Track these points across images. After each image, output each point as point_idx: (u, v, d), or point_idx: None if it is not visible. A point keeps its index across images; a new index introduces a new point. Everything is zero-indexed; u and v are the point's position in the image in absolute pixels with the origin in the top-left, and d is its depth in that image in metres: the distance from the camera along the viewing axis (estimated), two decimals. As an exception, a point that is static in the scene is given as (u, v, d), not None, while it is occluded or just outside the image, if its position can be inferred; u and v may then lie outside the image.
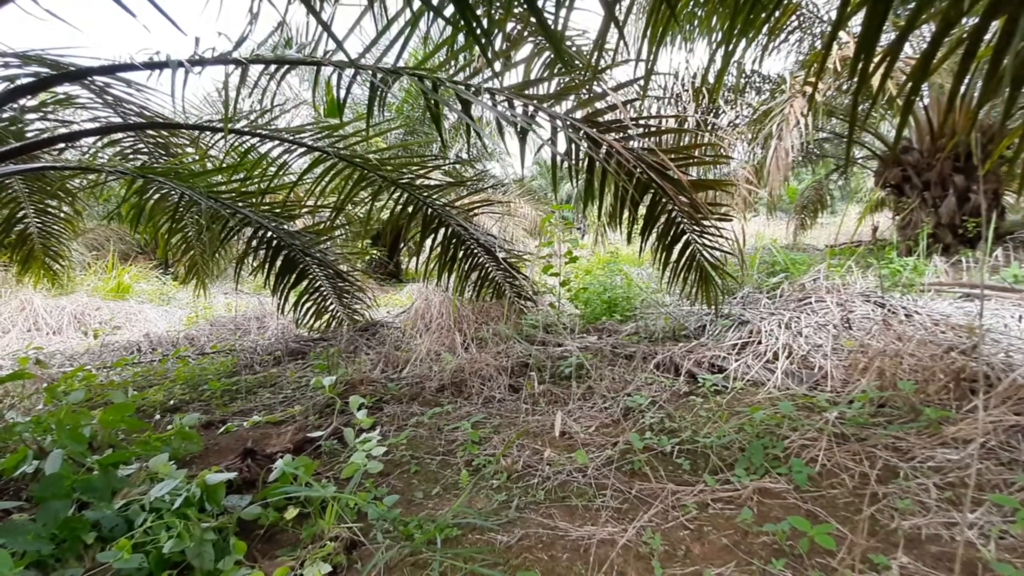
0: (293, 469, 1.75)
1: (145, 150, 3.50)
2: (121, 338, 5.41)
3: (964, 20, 1.36)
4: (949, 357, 2.25)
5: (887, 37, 4.06)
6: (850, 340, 2.69)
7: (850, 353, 2.63)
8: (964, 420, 1.89)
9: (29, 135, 3.08)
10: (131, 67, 2.17)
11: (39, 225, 4.13)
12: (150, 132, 3.37)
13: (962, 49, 1.27)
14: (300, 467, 1.76)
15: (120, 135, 3.36)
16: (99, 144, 3.44)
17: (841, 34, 4.20)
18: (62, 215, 4.21)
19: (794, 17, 5.52)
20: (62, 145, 3.19)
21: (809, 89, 4.30)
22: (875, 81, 1.83)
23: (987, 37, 1.24)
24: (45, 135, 3.07)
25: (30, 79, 2.35)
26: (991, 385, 2.04)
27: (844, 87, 4.63)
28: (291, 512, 1.65)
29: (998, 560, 1.28)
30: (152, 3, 1.37)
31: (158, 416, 2.81)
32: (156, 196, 3.45)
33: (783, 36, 5.81)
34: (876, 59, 1.56)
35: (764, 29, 2.34)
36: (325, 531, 1.56)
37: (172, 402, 3.05)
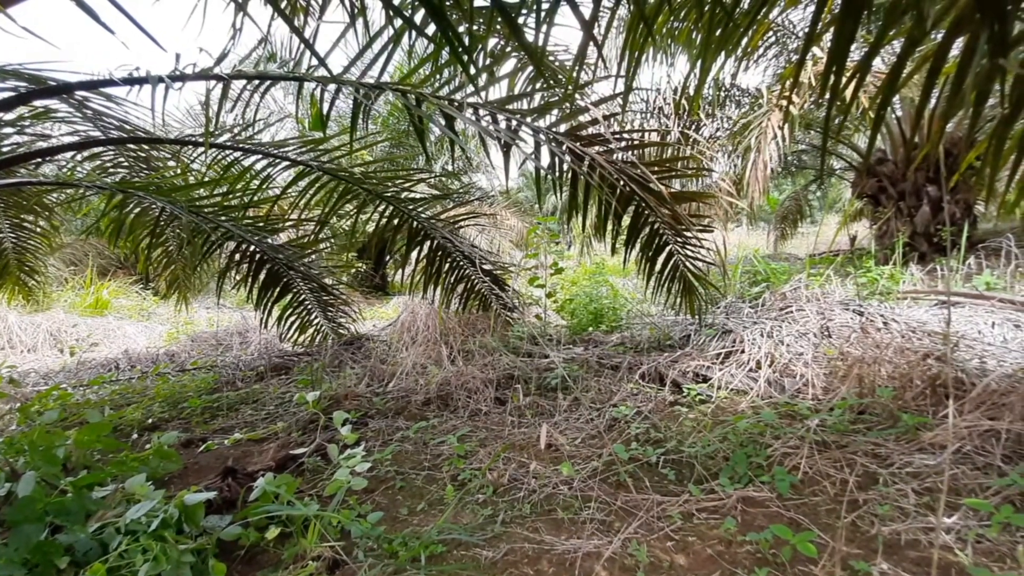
0: (275, 487, 1.72)
1: (125, 164, 3.46)
2: (99, 355, 5.29)
3: (933, 35, 1.41)
4: (925, 364, 2.30)
5: (860, 52, 4.19)
6: (830, 348, 2.74)
7: (830, 361, 2.67)
8: (940, 425, 1.93)
9: (5, 149, 3.03)
10: (111, 83, 2.15)
11: (14, 240, 4.05)
12: (131, 146, 3.34)
13: (928, 65, 1.32)
14: (282, 485, 1.73)
15: (100, 149, 3.32)
16: (78, 158, 3.40)
17: (815, 49, 4.32)
18: (38, 230, 4.13)
19: (771, 32, 5.68)
20: (39, 159, 3.14)
21: (785, 103, 4.41)
22: (847, 95, 1.90)
23: (952, 54, 1.30)
24: (22, 149, 3.03)
25: (8, 93, 2.32)
26: (965, 391, 2.08)
27: (819, 101, 4.76)
28: (273, 532, 1.62)
29: (975, 564, 1.30)
30: (131, 20, 1.37)
31: (136, 435, 2.74)
32: (136, 210, 3.41)
33: (761, 51, 5.97)
34: (847, 74, 1.61)
35: (743, 43, 2.41)
36: (307, 551, 1.53)
37: (151, 420, 2.98)
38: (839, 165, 9.11)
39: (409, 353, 3.54)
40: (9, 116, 2.89)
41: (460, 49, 1.52)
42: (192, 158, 3.50)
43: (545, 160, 2.57)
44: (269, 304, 4.00)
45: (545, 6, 1.57)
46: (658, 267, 3.22)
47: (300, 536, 1.60)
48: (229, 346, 5.16)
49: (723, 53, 2.02)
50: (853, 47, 1.38)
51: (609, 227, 2.92)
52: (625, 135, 2.86)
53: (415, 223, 3.52)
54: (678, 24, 2.73)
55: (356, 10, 2.00)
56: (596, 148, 2.56)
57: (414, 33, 2.07)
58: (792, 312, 3.17)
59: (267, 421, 2.86)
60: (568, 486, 1.88)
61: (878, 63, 4.74)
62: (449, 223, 3.70)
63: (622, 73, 2.05)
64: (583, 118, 2.59)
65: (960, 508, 1.52)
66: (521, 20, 2.48)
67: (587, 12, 1.48)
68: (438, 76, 2.55)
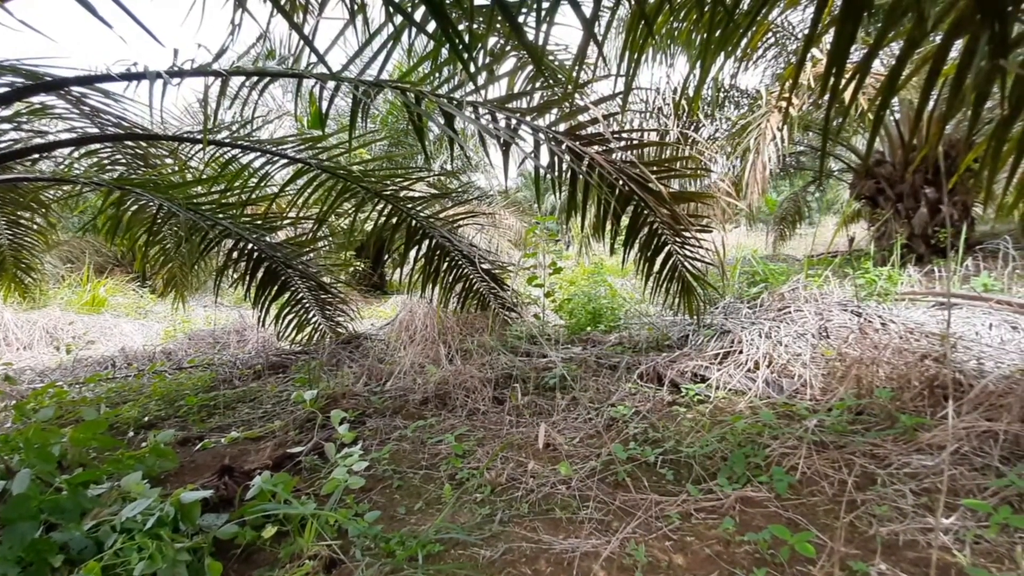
0: (272, 486, 1.71)
1: (123, 161, 3.44)
2: (95, 353, 5.27)
3: (932, 36, 1.41)
4: (923, 364, 2.30)
5: (859, 54, 4.19)
6: (828, 349, 2.74)
7: (828, 361, 2.67)
8: (938, 426, 1.93)
9: (1, 145, 3.01)
10: (108, 78, 2.14)
11: (10, 237, 4.03)
12: (128, 143, 3.32)
13: (927, 67, 1.32)
14: (279, 484, 1.73)
15: (97, 146, 3.30)
16: (75, 155, 3.38)
17: (814, 50, 4.33)
18: (35, 227, 4.11)
19: (770, 34, 5.68)
20: (36, 156, 3.12)
21: (784, 104, 4.41)
22: (847, 96, 1.90)
23: (951, 56, 1.30)
24: (19, 145, 3.01)
25: (5, 89, 2.31)
26: (963, 392, 2.09)
27: (818, 102, 4.77)
28: (269, 530, 1.62)
29: (973, 565, 1.31)
30: (129, 14, 1.36)
31: (132, 433, 2.73)
32: (134, 208, 3.39)
33: (760, 52, 5.97)
34: (847, 76, 1.61)
35: (742, 44, 2.40)
36: (304, 549, 1.52)
37: (147, 418, 2.97)
38: (837, 167, 9.13)
39: (407, 352, 3.53)
40: (6, 112, 2.88)
41: (460, 47, 1.51)
42: (190, 155, 3.49)
43: (544, 159, 2.57)
44: (267, 302, 3.99)
45: (545, 5, 1.56)
46: (657, 267, 3.22)
47: (297, 535, 1.59)
48: (226, 344, 5.14)
49: (723, 54, 2.02)
50: (852, 48, 1.37)
51: (608, 227, 2.92)
52: (624, 135, 2.86)
53: (414, 222, 3.51)
54: (678, 24, 2.73)
55: (356, 7, 1.99)
56: (595, 147, 2.55)
57: (414, 31, 2.06)
58: (790, 313, 3.17)
59: (264, 420, 2.85)
60: (566, 486, 1.88)
61: (877, 65, 4.75)
62: (448, 222, 3.70)
63: (622, 73, 2.05)
64: (582, 117, 2.59)
65: (958, 509, 1.52)
66: (521, 19, 2.48)
67: (587, 11, 1.48)
68: (437, 74, 2.55)
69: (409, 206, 3.44)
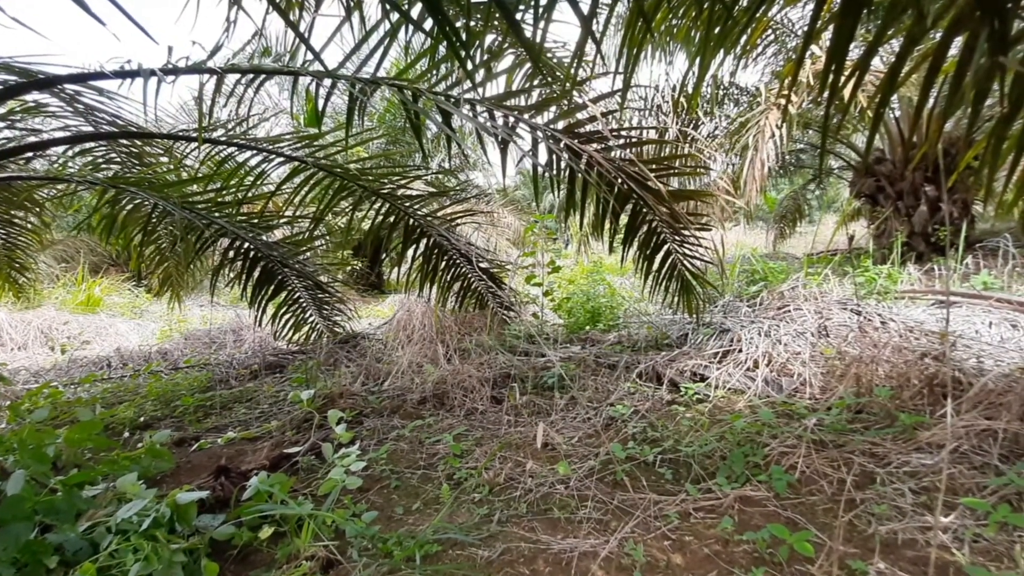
0: (268, 486, 1.70)
1: (118, 159, 3.42)
2: (90, 353, 5.25)
3: (931, 33, 1.40)
4: (923, 363, 2.30)
5: (858, 51, 4.18)
6: (828, 347, 2.74)
7: (828, 360, 2.67)
8: (937, 425, 1.92)
9: (-5, 144, 2.99)
10: (102, 75, 2.12)
11: (3, 236, 4.01)
12: (123, 141, 3.30)
13: (927, 64, 1.31)
14: (276, 484, 1.72)
15: (91, 144, 3.28)
16: (69, 153, 3.36)
17: (813, 48, 4.31)
18: (29, 226, 4.09)
19: (769, 31, 5.67)
20: (30, 154, 3.10)
21: (783, 101, 4.40)
22: (846, 93, 1.89)
23: (951, 53, 1.29)
24: (12, 144, 2.99)
25: (-4, 87, 2.29)
26: (963, 390, 2.08)
27: (818, 99, 4.76)
28: (266, 531, 1.61)
29: (972, 564, 1.30)
30: (123, 11, 1.34)
31: (128, 434, 2.72)
32: (129, 206, 3.37)
33: (759, 49, 5.96)
34: (846, 73, 1.60)
35: (741, 40, 2.39)
36: (301, 550, 1.51)
37: (143, 419, 2.95)
38: (837, 164, 9.12)
39: (405, 351, 3.52)
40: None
41: (457, 44, 1.50)
42: (185, 153, 3.47)
43: (543, 157, 2.55)
44: (263, 302, 3.97)
45: (543, 2, 1.55)
46: (656, 266, 3.21)
47: (294, 535, 1.58)
48: (223, 344, 5.13)
49: (722, 50, 2.01)
50: (852, 45, 1.36)
51: (607, 225, 2.91)
52: (623, 133, 2.85)
53: (411, 220, 3.50)
54: (677, 21, 2.71)
55: (351, 3, 1.97)
56: (594, 145, 2.54)
57: (410, 28, 2.05)
58: (790, 311, 3.16)
59: (261, 420, 2.84)
60: (564, 485, 1.87)
61: (877, 62, 4.74)
62: (445, 221, 3.68)
63: (620, 70, 2.04)
64: (581, 115, 2.58)
65: (957, 507, 1.51)
66: (519, 16, 2.46)
67: (585, 8, 1.46)
68: (435, 71, 2.53)
69: (407, 204, 3.42)
